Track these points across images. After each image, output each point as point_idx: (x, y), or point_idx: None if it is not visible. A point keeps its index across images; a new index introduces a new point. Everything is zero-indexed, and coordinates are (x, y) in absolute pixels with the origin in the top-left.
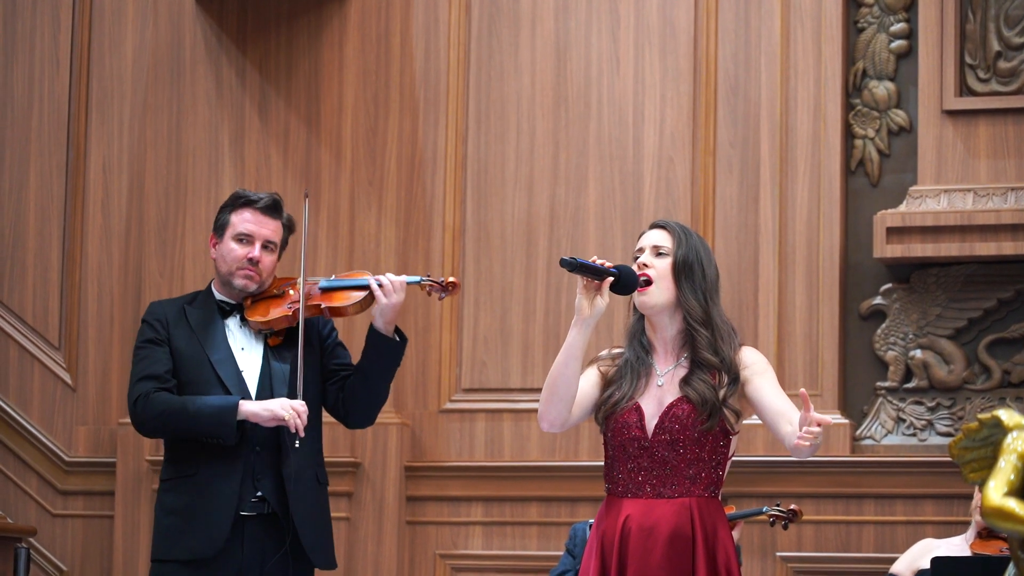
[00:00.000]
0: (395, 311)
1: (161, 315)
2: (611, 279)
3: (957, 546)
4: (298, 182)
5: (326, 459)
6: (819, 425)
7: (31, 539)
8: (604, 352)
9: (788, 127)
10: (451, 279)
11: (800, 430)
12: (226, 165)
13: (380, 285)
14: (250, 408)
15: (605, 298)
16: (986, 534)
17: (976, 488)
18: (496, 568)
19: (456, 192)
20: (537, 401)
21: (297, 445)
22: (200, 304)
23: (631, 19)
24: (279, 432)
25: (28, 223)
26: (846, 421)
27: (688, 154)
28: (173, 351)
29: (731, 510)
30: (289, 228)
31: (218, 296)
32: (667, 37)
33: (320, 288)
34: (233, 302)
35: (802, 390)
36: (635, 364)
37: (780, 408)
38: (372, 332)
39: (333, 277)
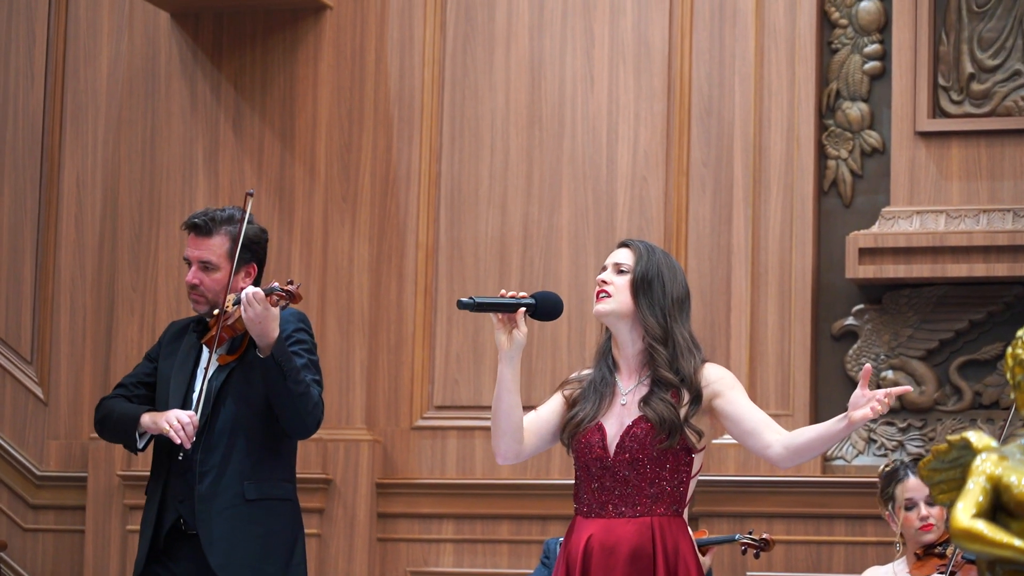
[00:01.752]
0: (258, 324)
1: (165, 333)
2: (522, 311)
3: (901, 570)
4: (272, 198)
5: (298, 475)
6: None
7: (1, 553)
8: (574, 374)
9: (761, 147)
10: (289, 286)
11: (861, 405)
12: (200, 180)
13: (242, 299)
14: (144, 420)
15: (523, 329)
16: (922, 554)
17: (887, 513)
18: None
19: (430, 210)
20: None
21: (180, 457)
22: (198, 327)
23: (605, 38)
24: (192, 454)
25: (1, 237)
26: None
27: (662, 174)
28: (158, 368)
29: (703, 535)
30: (236, 238)
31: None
32: (641, 57)
33: (235, 301)
34: (207, 320)
35: (867, 365)
36: (599, 384)
37: (759, 419)
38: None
39: (274, 284)
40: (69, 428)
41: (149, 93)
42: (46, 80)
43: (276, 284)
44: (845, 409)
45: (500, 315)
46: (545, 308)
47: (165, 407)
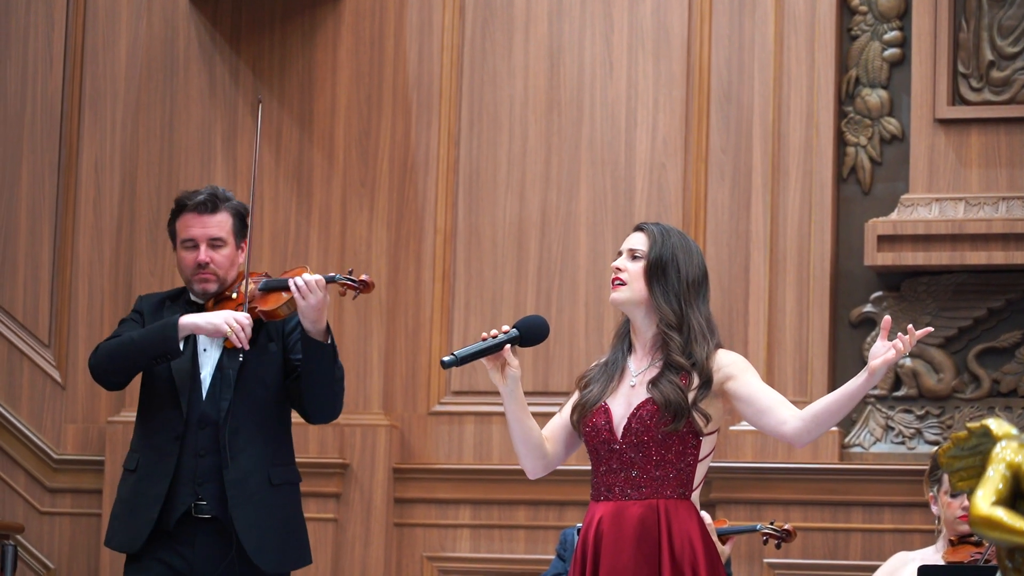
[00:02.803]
0: (317, 311)
1: (141, 306)
2: (507, 346)
3: (931, 557)
4: (290, 183)
5: (315, 460)
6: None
7: (18, 536)
8: (594, 364)
9: (780, 134)
10: (364, 278)
11: (881, 353)
12: (218, 165)
13: (297, 286)
14: (191, 320)
15: (514, 363)
16: (957, 541)
17: (942, 493)
18: (484, 571)
19: (448, 195)
20: (539, 408)
21: (241, 359)
22: (178, 302)
23: (624, 24)
24: (219, 437)
25: (19, 221)
26: (835, 428)
27: (680, 160)
28: None
29: (724, 523)
30: (239, 214)
31: (192, 296)
32: (660, 42)
33: (260, 289)
34: (200, 303)
35: (887, 317)
36: (611, 365)
37: (774, 397)
38: (302, 334)
39: (282, 274)
40: (87, 412)
41: (168, 77)
42: (65, 64)
43: (335, 274)
44: (863, 397)
45: (488, 358)
46: (531, 336)
47: (168, 387)
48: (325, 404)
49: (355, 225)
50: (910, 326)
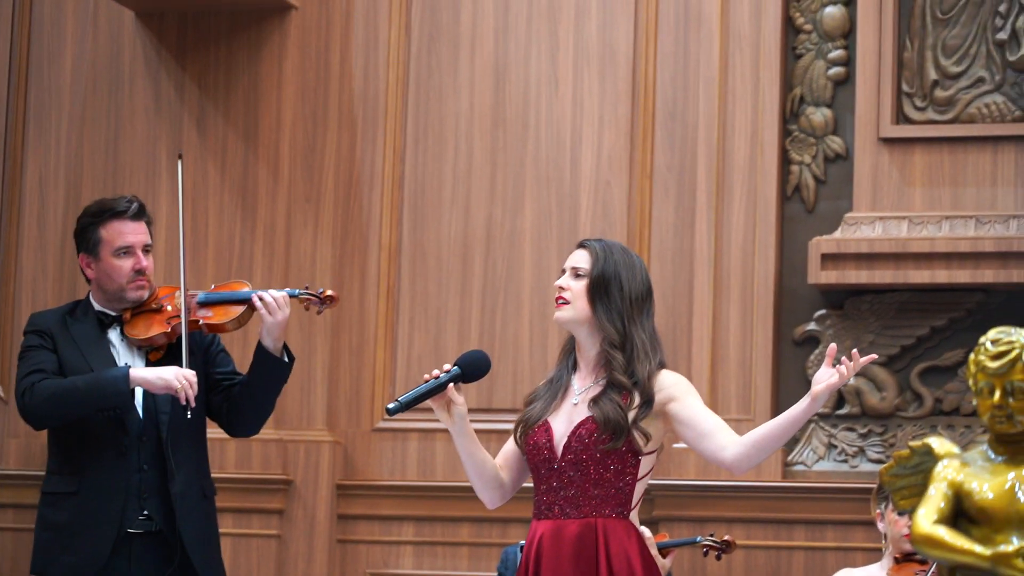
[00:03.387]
0: (282, 328)
1: (45, 326)
2: (451, 385)
3: (875, 574)
4: (235, 198)
5: (258, 476)
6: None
7: None
8: (540, 385)
9: (725, 152)
10: (329, 292)
11: (825, 377)
12: (163, 180)
13: (264, 302)
14: (142, 375)
15: (459, 400)
16: (902, 559)
17: (888, 511)
18: None
19: (393, 211)
20: (470, 420)
21: (189, 415)
22: (80, 316)
23: (570, 41)
24: (163, 450)
25: None
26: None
27: (625, 177)
28: (60, 360)
29: (664, 537)
30: (150, 223)
31: (97, 307)
32: (606, 60)
33: (199, 302)
34: (113, 314)
35: (832, 344)
36: (555, 383)
37: (714, 422)
38: (260, 350)
39: (212, 288)
40: (28, 427)
41: (113, 92)
42: (9, 78)
43: (296, 289)
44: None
45: (432, 400)
46: (473, 372)
47: (95, 416)
48: (261, 419)
49: (299, 241)
50: (854, 351)
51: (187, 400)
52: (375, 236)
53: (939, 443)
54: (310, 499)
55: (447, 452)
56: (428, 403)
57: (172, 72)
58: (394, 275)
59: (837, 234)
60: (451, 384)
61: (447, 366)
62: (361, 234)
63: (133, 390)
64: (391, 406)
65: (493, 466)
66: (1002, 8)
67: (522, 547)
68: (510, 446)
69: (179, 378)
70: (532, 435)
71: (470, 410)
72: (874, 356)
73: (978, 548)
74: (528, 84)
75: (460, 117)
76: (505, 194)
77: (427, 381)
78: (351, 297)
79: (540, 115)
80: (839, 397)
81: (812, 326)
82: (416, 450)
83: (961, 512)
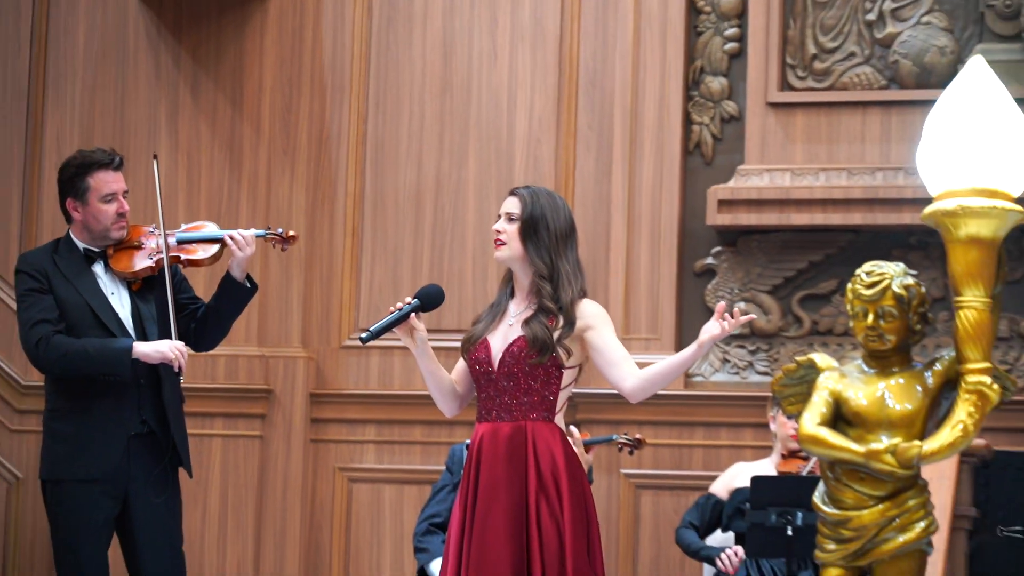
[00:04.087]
0: (248, 261)
1: (38, 265)
2: (413, 314)
3: (765, 467)
4: (224, 152)
5: (244, 386)
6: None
7: None
8: (484, 310)
9: (637, 114)
10: (291, 232)
11: (712, 330)
12: (162, 137)
13: (235, 240)
14: (142, 349)
15: (420, 327)
16: (788, 455)
17: (777, 415)
18: (386, 479)
19: (357, 164)
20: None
21: (181, 378)
22: (65, 253)
23: (507, 21)
24: (157, 367)
25: None
26: None
27: (553, 136)
28: (56, 299)
29: (586, 436)
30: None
31: (82, 245)
32: (537, 37)
33: (177, 240)
34: (96, 250)
35: (721, 302)
36: (495, 307)
37: (622, 354)
38: (228, 279)
39: (183, 228)
40: None
41: (119, 62)
42: (31, 49)
43: (257, 229)
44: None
45: (398, 328)
46: (430, 303)
47: (94, 329)
48: (222, 337)
49: (278, 188)
50: (736, 308)
51: (180, 367)
52: (342, 184)
53: (821, 358)
54: (287, 406)
55: (403, 366)
56: (394, 331)
57: (169, 45)
58: (358, 217)
59: (731, 183)
60: (413, 314)
61: (408, 299)
62: (330, 183)
63: (96, 286)
64: (363, 336)
65: (449, 381)
66: None
67: (467, 445)
68: (461, 364)
69: (172, 350)
70: (474, 351)
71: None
72: (752, 316)
73: (854, 446)
74: (471, 57)
75: (413, 85)
76: (452, 150)
77: (392, 312)
78: (321, 236)
79: (481, 83)
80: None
81: (709, 260)
82: (377, 364)
83: (839, 416)
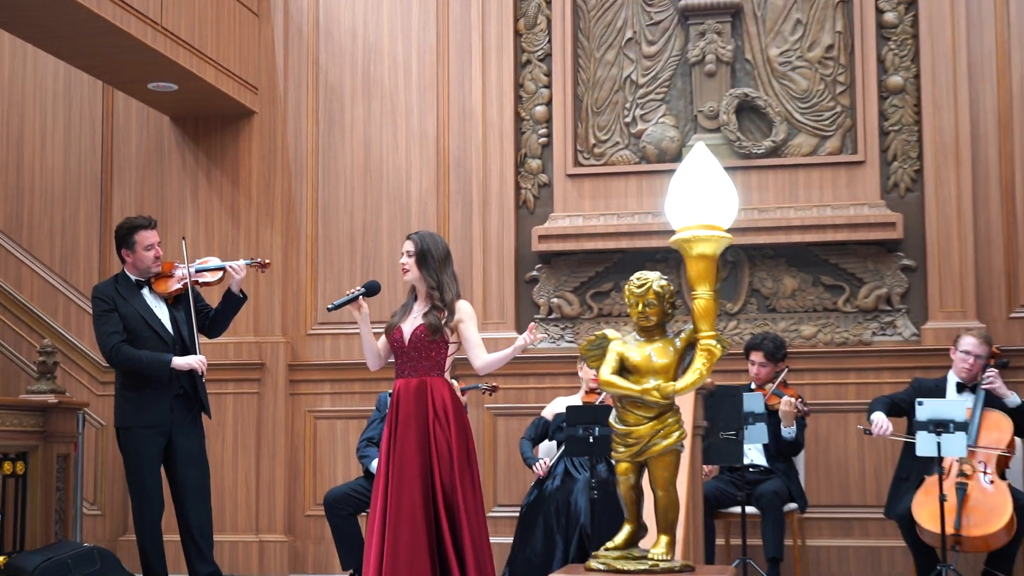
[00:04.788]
0: (242, 281)
1: (107, 292)
2: (361, 296)
3: (575, 400)
4: (227, 214)
5: (245, 362)
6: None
7: (85, 408)
8: (397, 309)
9: (486, 184)
10: (267, 261)
11: (525, 339)
12: (188, 207)
13: (233, 269)
14: (178, 362)
15: (364, 307)
16: (589, 392)
17: (583, 367)
18: (337, 417)
19: (314, 219)
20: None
21: (204, 379)
22: (123, 283)
23: (404, 127)
24: (184, 345)
25: (79, 231)
26: (518, 335)
27: (434, 198)
28: (120, 315)
29: (463, 384)
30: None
31: (133, 277)
32: (423, 137)
33: (195, 270)
34: (143, 280)
35: (532, 322)
36: (406, 306)
37: (477, 343)
38: (228, 293)
39: (197, 262)
40: None
41: (159, 159)
42: (102, 151)
43: (248, 260)
44: (532, 318)
45: (351, 305)
46: (371, 291)
47: (148, 337)
48: (224, 329)
49: (263, 236)
50: (531, 324)
51: (202, 372)
52: (304, 231)
53: (611, 332)
54: (274, 372)
55: (347, 346)
56: (349, 308)
57: (191, 148)
58: (315, 252)
59: (546, 225)
60: (360, 297)
61: (358, 287)
62: (296, 230)
63: (140, 298)
64: (329, 307)
65: (376, 346)
66: (628, 104)
67: (389, 394)
68: (383, 340)
69: (199, 363)
70: (393, 334)
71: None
72: (541, 336)
73: (633, 386)
74: (382, 150)
75: (347, 169)
76: (372, 208)
77: (348, 294)
78: (291, 264)
79: (389, 166)
80: (550, 308)
81: (534, 273)
82: (330, 345)
83: (623, 368)
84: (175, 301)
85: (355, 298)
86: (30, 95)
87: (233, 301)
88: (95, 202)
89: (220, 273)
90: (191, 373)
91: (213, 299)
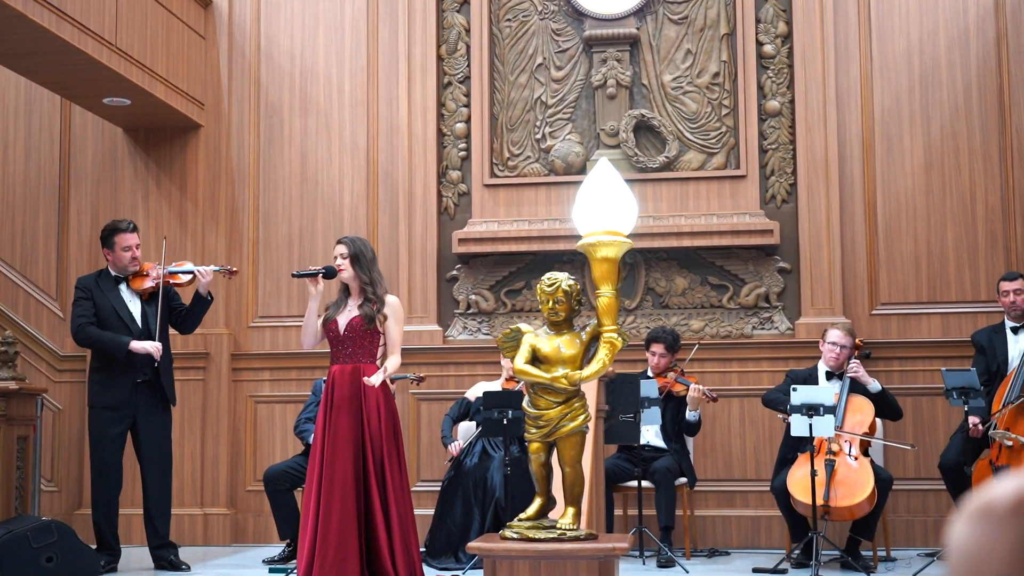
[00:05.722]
0: (209, 285)
1: (87, 284)
2: (320, 275)
3: (496, 385)
4: (177, 220)
5: (193, 351)
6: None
7: (44, 394)
8: (331, 303)
9: (411, 192)
10: (234, 268)
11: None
12: (140, 212)
13: (202, 272)
14: (134, 344)
15: (321, 284)
16: (508, 379)
17: (502, 357)
18: (276, 401)
19: (254, 223)
20: (299, 323)
21: (156, 364)
22: (104, 278)
23: (337, 140)
24: (152, 339)
25: (38, 235)
26: (440, 328)
27: (365, 205)
28: (95, 304)
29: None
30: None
31: (113, 274)
32: (355, 149)
33: (168, 271)
34: (122, 276)
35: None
36: (339, 302)
37: (395, 340)
38: (197, 295)
39: (173, 264)
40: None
41: (112, 167)
42: (60, 159)
43: (215, 266)
44: (452, 313)
45: (309, 279)
46: (328, 274)
47: (118, 326)
48: (195, 327)
49: (209, 239)
50: (384, 365)
51: (155, 359)
52: (247, 234)
53: (525, 326)
54: (218, 360)
55: (284, 337)
56: (306, 282)
57: (142, 157)
58: (256, 253)
59: (465, 229)
60: (319, 275)
61: (320, 267)
62: (239, 233)
63: (117, 292)
64: (293, 273)
65: (317, 324)
66: (538, 122)
67: (323, 380)
68: (319, 323)
69: (154, 349)
70: (329, 325)
71: (297, 317)
72: (391, 375)
73: (544, 375)
74: (317, 161)
75: (286, 178)
76: (307, 214)
77: (309, 269)
78: (235, 264)
79: (323, 176)
80: (468, 304)
81: (454, 272)
82: (270, 336)
83: (536, 358)
84: (149, 297)
85: (315, 274)
86: None
87: (200, 302)
88: (53, 206)
89: (190, 276)
90: (153, 362)
91: (189, 300)
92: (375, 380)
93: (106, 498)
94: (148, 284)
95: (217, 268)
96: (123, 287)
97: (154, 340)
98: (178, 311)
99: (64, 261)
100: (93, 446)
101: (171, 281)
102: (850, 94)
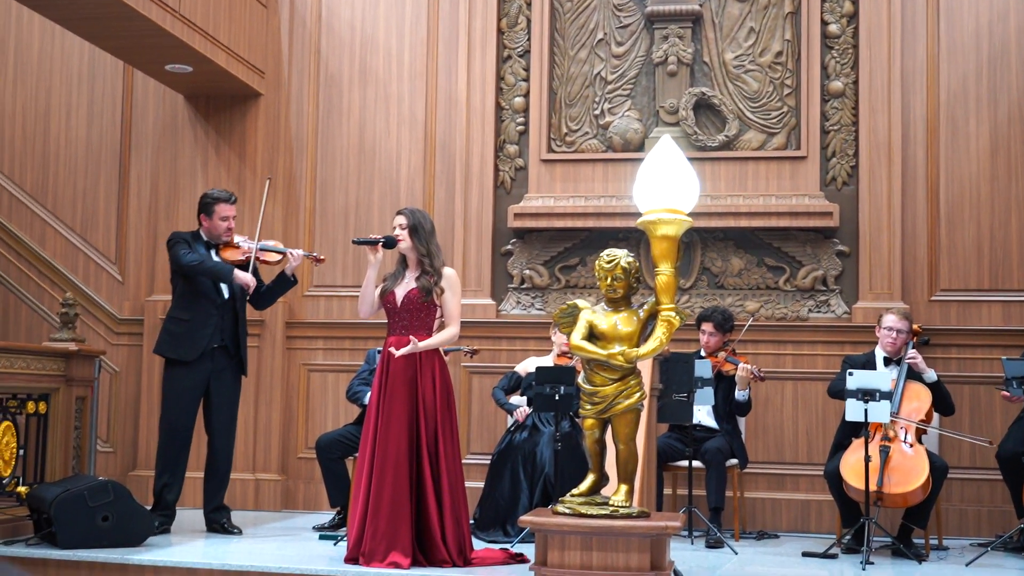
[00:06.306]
0: (299, 266)
1: (183, 236)
2: (380, 244)
3: (548, 361)
4: (234, 188)
5: (249, 319)
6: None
7: (102, 356)
8: (389, 274)
9: (468, 165)
10: (322, 256)
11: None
12: (198, 178)
13: (292, 255)
14: (237, 272)
15: (380, 253)
16: (560, 355)
17: (556, 332)
18: (329, 370)
19: (311, 193)
20: (356, 293)
21: (248, 298)
22: (197, 240)
23: (395, 112)
24: (236, 310)
25: (99, 200)
26: (493, 302)
27: (421, 177)
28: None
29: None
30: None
31: (204, 238)
32: (412, 122)
33: (259, 248)
34: (213, 243)
35: (412, 338)
36: (396, 273)
37: (449, 313)
38: (282, 275)
39: (263, 242)
40: (134, 294)
41: (173, 133)
42: (121, 124)
43: (303, 251)
44: (507, 287)
45: (369, 247)
46: (388, 243)
47: (205, 283)
48: (271, 303)
49: (267, 207)
50: (411, 338)
51: (248, 291)
52: (303, 205)
53: (582, 302)
54: (273, 327)
55: (341, 306)
56: (366, 250)
57: (202, 124)
58: (312, 224)
59: (521, 204)
60: (379, 244)
61: (381, 235)
62: (296, 203)
63: (231, 283)
64: (354, 240)
65: (374, 294)
66: (597, 98)
67: (378, 350)
68: (377, 293)
69: (251, 280)
70: (386, 296)
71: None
72: (417, 346)
73: (601, 351)
74: (375, 133)
75: (344, 150)
76: (365, 185)
77: (371, 237)
78: (291, 235)
79: (381, 148)
80: (522, 279)
81: (509, 246)
82: (324, 305)
83: (592, 335)
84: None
85: (375, 243)
86: (57, 73)
87: (284, 282)
88: (114, 171)
89: (280, 256)
90: (235, 331)
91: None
92: (403, 351)
93: (173, 460)
94: (239, 257)
95: (307, 253)
96: (213, 253)
97: (238, 311)
98: (257, 287)
99: (123, 226)
100: (165, 404)
101: (262, 258)
102: (916, 76)
